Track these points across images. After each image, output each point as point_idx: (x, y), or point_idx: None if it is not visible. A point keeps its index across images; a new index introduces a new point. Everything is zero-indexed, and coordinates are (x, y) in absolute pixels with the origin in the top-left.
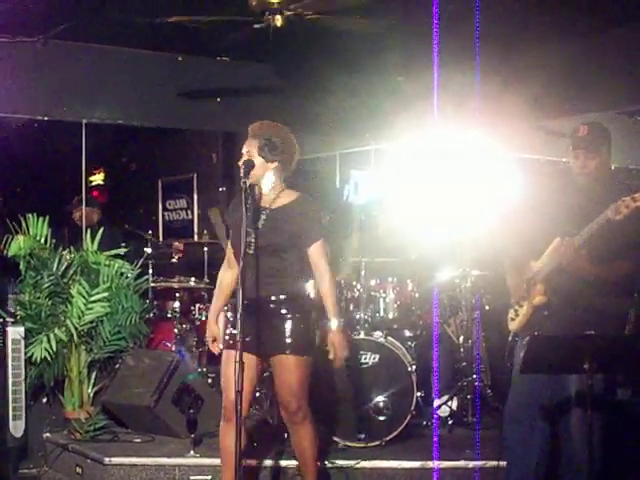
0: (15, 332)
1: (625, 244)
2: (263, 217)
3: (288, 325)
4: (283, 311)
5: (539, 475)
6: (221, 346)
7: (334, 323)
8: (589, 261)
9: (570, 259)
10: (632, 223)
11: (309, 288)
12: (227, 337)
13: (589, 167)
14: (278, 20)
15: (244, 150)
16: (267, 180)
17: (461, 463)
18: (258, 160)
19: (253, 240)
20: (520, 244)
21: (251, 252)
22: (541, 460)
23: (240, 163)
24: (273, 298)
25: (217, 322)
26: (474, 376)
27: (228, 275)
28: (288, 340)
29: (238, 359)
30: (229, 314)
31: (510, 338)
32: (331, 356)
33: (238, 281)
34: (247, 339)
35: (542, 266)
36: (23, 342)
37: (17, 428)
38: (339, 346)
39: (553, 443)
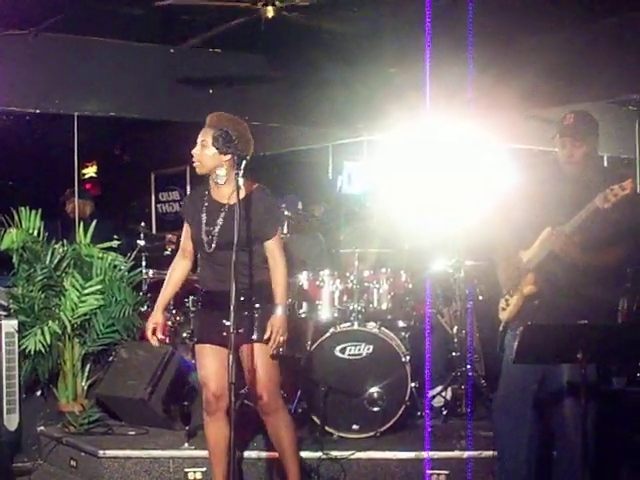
0: (8, 325)
1: (614, 232)
2: (222, 214)
3: (256, 315)
4: (251, 301)
5: (531, 464)
6: (161, 336)
7: (279, 309)
8: (580, 248)
9: (561, 246)
10: (620, 211)
11: (301, 278)
12: (191, 332)
13: (576, 155)
14: (270, 12)
15: (199, 139)
16: (220, 173)
17: (455, 453)
18: (211, 150)
19: (215, 237)
20: (510, 234)
21: (212, 249)
22: (532, 449)
23: (193, 151)
24: (241, 290)
25: (163, 311)
26: (468, 366)
27: (182, 264)
28: (256, 329)
29: (232, 351)
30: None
31: (501, 328)
32: (266, 336)
33: (205, 271)
34: (216, 332)
35: (532, 256)
36: (17, 335)
37: (11, 421)
38: (276, 330)
39: (544, 432)
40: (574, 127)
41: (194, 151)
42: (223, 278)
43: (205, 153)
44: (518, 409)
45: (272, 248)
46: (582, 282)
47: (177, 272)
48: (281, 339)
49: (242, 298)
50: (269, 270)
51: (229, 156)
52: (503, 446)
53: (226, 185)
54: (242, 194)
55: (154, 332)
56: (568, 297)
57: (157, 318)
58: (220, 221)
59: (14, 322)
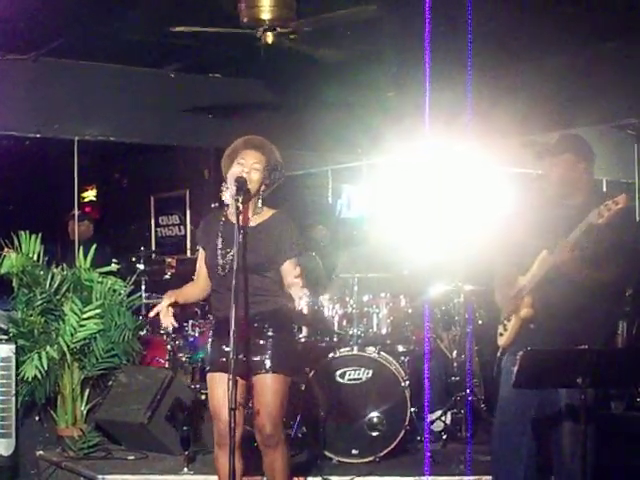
0: (5, 350)
1: (609, 248)
2: (241, 236)
3: (269, 344)
4: (265, 329)
5: None
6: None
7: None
8: (581, 262)
9: (564, 259)
10: (615, 226)
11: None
12: (209, 360)
13: (555, 173)
14: (269, 37)
15: (250, 162)
16: (251, 200)
17: (455, 478)
18: (257, 178)
19: (230, 260)
20: (509, 260)
21: (225, 272)
22: (527, 476)
23: (234, 179)
24: (256, 316)
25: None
26: (467, 391)
27: (196, 284)
28: (269, 358)
29: (231, 378)
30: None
31: (499, 353)
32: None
33: (220, 299)
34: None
35: (530, 278)
36: (14, 360)
37: (6, 446)
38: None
39: (540, 456)
40: (552, 145)
41: (247, 175)
42: (237, 304)
43: (253, 177)
44: (514, 434)
45: (289, 269)
46: (577, 304)
47: (188, 286)
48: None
49: (256, 325)
50: (285, 298)
51: (264, 186)
52: (498, 471)
53: (249, 208)
54: (262, 218)
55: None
56: (564, 320)
57: (168, 298)
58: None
59: (11, 346)
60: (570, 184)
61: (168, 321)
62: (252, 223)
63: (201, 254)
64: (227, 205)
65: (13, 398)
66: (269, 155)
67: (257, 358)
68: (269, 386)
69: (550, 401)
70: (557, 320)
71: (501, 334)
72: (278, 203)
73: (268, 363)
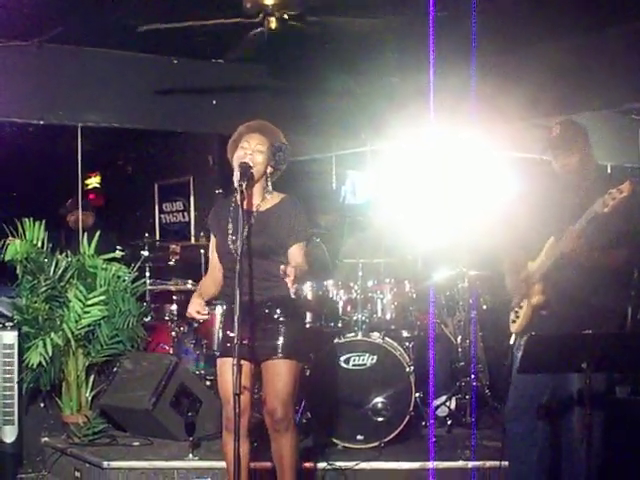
0: (8, 337)
1: (616, 235)
2: (251, 221)
3: (281, 329)
4: (276, 315)
5: (541, 472)
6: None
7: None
8: (589, 249)
9: (572, 246)
10: (621, 214)
11: (305, 289)
12: (219, 343)
13: (570, 164)
14: (272, 22)
15: (253, 144)
16: (258, 184)
17: (460, 463)
18: (261, 160)
19: (243, 244)
20: (517, 245)
21: (237, 257)
22: (542, 458)
23: (238, 164)
24: (266, 302)
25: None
26: (472, 376)
27: (213, 275)
28: (280, 343)
29: (235, 362)
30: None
31: (512, 340)
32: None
33: (231, 284)
34: (239, 345)
35: (539, 266)
36: (17, 346)
37: (9, 433)
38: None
39: (554, 440)
40: (561, 137)
41: (250, 157)
42: (246, 289)
43: (257, 159)
44: (528, 417)
45: (295, 252)
46: (588, 290)
47: (208, 278)
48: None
49: (266, 310)
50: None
51: (270, 169)
52: (513, 454)
53: (258, 193)
54: (272, 202)
55: (198, 312)
56: (575, 306)
57: (198, 300)
58: (246, 229)
59: (14, 333)
60: (575, 172)
61: (201, 315)
62: (262, 208)
63: (212, 242)
64: (235, 191)
65: (16, 385)
66: (271, 137)
67: (268, 343)
68: (281, 371)
69: (563, 386)
70: (568, 307)
71: (514, 321)
72: (282, 189)
73: (280, 348)
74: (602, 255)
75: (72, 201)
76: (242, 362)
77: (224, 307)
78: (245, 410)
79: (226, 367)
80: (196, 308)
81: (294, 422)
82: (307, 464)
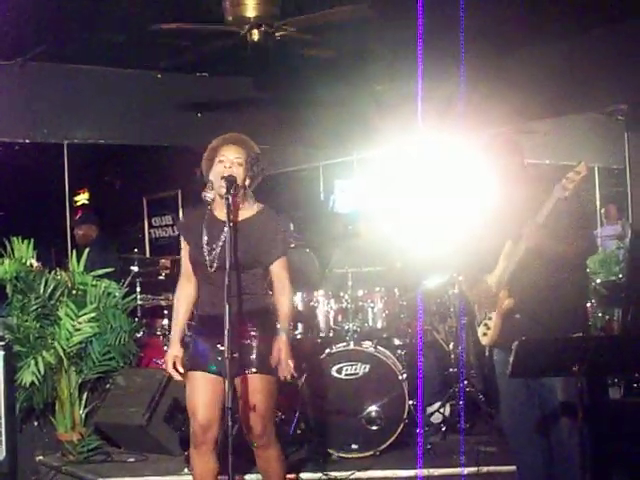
0: None
1: (574, 221)
2: (224, 233)
3: (255, 343)
4: (250, 329)
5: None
6: (182, 369)
7: (283, 333)
8: (551, 237)
9: (536, 239)
10: (577, 199)
11: (295, 300)
12: (187, 358)
13: (495, 173)
14: (255, 35)
15: (232, 157)
16: (237, 196)
17: (454, 470)
18: (242, 173)
19: (217, 256)
20: (467, 260)
21: (214, 269)
22: (547, 460)
23: (220, 178)
24: (241, 315)
25: (180, 343)
26: (465, 382)
27: (187, 291)
28: (254, 358)
29: (227, 375)
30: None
31: (487, 353)
32: (275, 363)
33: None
34: (211, 359)
35: (501, 272)
36: (2, 366)
37: None
38: (285, 354)
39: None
40: (487, 148)
41: (230, 170)
42: (222, 301)
43: (237, 172)
44: (527, 422)
45: (279, 271)
46: (550, 283)
47: (183, 302)
48: (291, 363)
49: (239, 323)
50: (270, 297)
51: (248, 180)
52: (520, 461)
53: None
54: (250, 213)
55: (174, 366)
56: (544, 303)
57: (175, 351)
58: (222, 240)
59: (1, 353)
60: (512, 179)
61: (176, 374)
62: (239, 218)
63: (184, 250)
64: (209, 203)
65: (3, 403)
66: (248, 149)
67: (241, 357)
68: (258, 387)
69: (549, 393)
70: (538, 304)
71: (485, 334)
72: (271, 200)
73: (255, 363)
74: (562, 246)
75: (80, 215)
76: (211, 377)
77: (196, 319)
78: (212, 425)
79: (195, 380)
80: (173, 363)
81: (275, 435)
82: (302, 475)
